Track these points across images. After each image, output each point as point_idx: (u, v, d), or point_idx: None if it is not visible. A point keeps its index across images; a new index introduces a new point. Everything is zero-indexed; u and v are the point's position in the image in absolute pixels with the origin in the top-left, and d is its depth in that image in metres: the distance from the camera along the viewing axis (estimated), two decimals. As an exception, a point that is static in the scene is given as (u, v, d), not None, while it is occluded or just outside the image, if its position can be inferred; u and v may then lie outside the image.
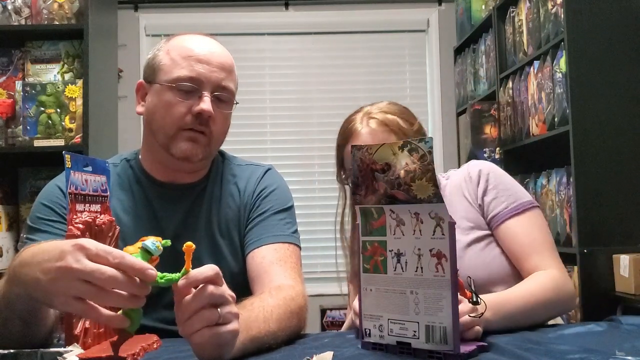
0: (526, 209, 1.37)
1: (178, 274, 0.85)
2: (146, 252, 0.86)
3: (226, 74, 1.33)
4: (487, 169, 1.43)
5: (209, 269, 0.86)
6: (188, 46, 1.32)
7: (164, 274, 0.84)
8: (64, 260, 0.81)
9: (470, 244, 1.38)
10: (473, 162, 1.49)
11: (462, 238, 1.36)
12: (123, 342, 0.89)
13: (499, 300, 1.16)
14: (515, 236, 1.35)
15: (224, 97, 1.33)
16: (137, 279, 0.82)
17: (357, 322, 1.07)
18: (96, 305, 0.83)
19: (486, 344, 1.01)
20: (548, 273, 1.29)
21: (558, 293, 1.26)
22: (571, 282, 1.31)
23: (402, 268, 0.99)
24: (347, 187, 1.54)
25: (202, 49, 1.32)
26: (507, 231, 1.36)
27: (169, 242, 0.89)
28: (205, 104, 1.28)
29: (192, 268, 0.87)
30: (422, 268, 0.97)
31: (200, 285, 0.85)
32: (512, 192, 1.39)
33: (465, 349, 0.96)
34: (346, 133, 1.47)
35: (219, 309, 0.86)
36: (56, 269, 0.82)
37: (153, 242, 0.86)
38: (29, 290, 0.87)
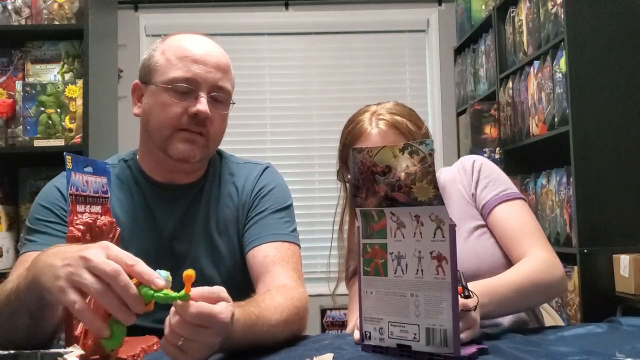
0: (516, 198, 1.41)
1: (177, 294, 0.84)
2: None
3: (222, 74, 1.32)
4: (479, 160, 1.47)
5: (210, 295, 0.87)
6: (184, 46, 1.31)
7: (164, 290, 0.84)
8: (85, 251, 0.85)
9: (469, 232, 1.39)
10: (465, 156, 1.52)
11: (461, 228, 1.37)
12: (96, 354, 0.89)
13: (493, 285, 1.18)
14: (507, 220, 1.37)
15: (221, 98, 1.32)
16: (135, 290, 0.83)
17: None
18: (87, 305, 0.84)
19: (486, 346, 1.01)
20: (539, 256, 1.31)
21: (550, 275, 1.28)
22: (561, 265, 1.33)
23: (402, 270, 0.99)
24: (348, 185, 1.53)
25: (198, 49, 1.31)
26: (498, 216, 1.39)
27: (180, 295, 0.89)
28: (202, 104, 1.27)
29: (191, 268, 0.87)
30: (422, 270, 0.97)
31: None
32: (503, 182, 1.43)
33: (465, 351, 0.96)
34: (354, 133, 1.45)
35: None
36: (73, 257, 0.85)
37: (167, 272, 0.86)
38: (39, 274, 0.89)
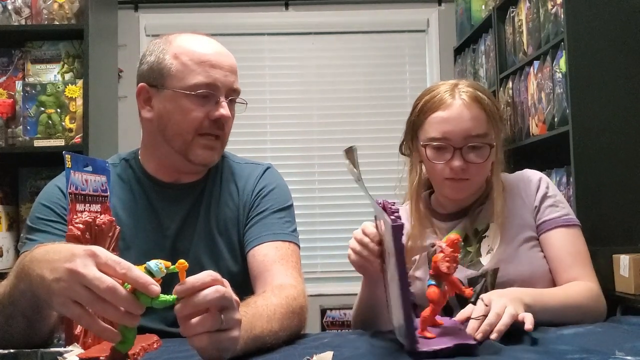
0: (576, 225, 1.44)
1: (173, 296, 0.84)
2: (149, 273, 0.86)
3: (235, 77, 1.35)
4: (546, 178, 1.50)
5: (207, 276, 0.85)
6: (198, 50, 1.32)
7: (159, 295, 0.83)
8: (73, 262, 0.83)
9: (523, 242, 1.41)
10: (529, 170, 1.53)
11: (517, 236, 1.41)
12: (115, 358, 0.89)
13: (541, 292, 1.25)
14: (563, 244, 1.41)
15: (236, 100, 1.36)
16: (134, 299, 0.82)
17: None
18: (92, 314, 0.83)
19: (473, 342, 1.00)
20: (587, 284, 1.35)
21: (593, 304, 1.33)
22: (604, 299, 1.37)
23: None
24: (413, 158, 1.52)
25: (213, 53, 1.32)
26: (556, 238, 1.41)
27: (175, 270, 0.87)
28: (224, 109, 1.31)
29: (191, 269, 0.87)
30: (389, 268, 1.03)
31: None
32: (567, 206, 1.46)
33: (431, 347, 0.97)
34: (434, 101, 1.41)
35: (222, 315, 0.86)
36: (63, 270, 0.83)
37: (157, 263, 0.85)
38: (33, 287, 0.88)
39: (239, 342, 0.90)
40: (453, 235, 1.06)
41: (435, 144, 1.39)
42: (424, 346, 0.97)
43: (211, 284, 0.85)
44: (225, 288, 0.86)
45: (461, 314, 1.11)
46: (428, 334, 1.03)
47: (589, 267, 1.40)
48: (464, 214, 1.46)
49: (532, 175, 1.49)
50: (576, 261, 1.39)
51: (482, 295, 1.13)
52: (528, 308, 1.14)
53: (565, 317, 1.24)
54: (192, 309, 0.84)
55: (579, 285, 1.34)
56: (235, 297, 0.89)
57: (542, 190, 1.45)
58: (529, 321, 1.07)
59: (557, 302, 1.25)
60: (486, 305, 1.08)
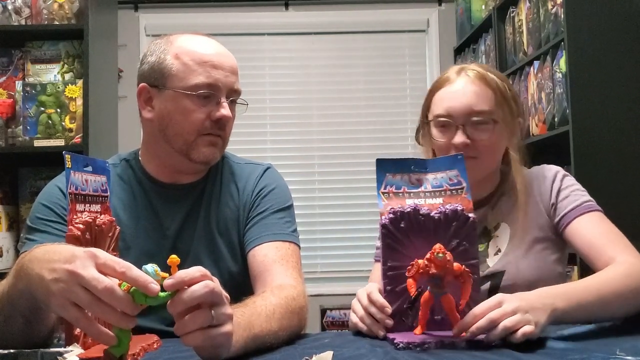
0: (599, 210, 1.36)
1: (166, 293, 0.84)
2: None
3: (236, 77, 1.35)
4: (562, 172, 1.44)
5: (196, 271, 0.85)
6: (199, 50, 1.32)
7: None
8: (72, 263, 0.83)
9: (533, 244, 1.37)
10: (546, 165, 1.48)
11: (527, 237, 1.37)
12: None
13: (572, 289, 1.14)
14: (589, 230, 1.32)
15: (237, 100, 1.37)
16: (131, 300, 0.82)
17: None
18: (90, 317, 0.83)
19: (405, 340, 1.03)
20: (625, 262, 1.23)
21: (637, 283, 1.19)
22: None
23: None
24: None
25: (214, 53, 1.32)
26: (580, 227, 1.33)
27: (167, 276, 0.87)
28: (226, 110, 1.31)
29: (193, 267, 0.87)
30: None
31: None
32: (586, 194, 1.39)
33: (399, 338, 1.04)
34: (440, 80, 1.45)
35: (212, 311, 0.85)
36: (62, 271, 0.83)
37: (152, 266, 0.85)
38: (32, 287, 0.87)
39: (232, 337, 0.90)
40: (437, 245, 1.02)
41: (439, 120, 1.38)
42: (396, 337, 1.08)
43: (200, 279, 0.85)
44: (214, 283, 0.86)
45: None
46: (416, 330, 1.09)
47: (623, 242, 1.29)
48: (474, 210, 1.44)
49: (547, 171, 1.44)
50: (608, 240, 1.29)
51: (497, 295, 1.05)
52: (563, 314, 1.07)
53: (606, 310, 1.16)
54: (183, 305, 0.84)
55: (617, 267, 1.21)
56: (224, 292, 0.89)
57: (557, 185, 1.40)
58: (521, 334, 1.00)
59: (593, 297, 1.13)
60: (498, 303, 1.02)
